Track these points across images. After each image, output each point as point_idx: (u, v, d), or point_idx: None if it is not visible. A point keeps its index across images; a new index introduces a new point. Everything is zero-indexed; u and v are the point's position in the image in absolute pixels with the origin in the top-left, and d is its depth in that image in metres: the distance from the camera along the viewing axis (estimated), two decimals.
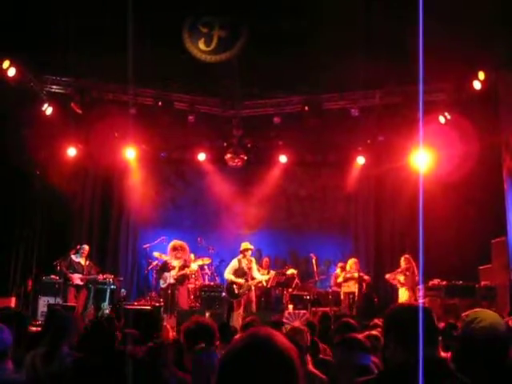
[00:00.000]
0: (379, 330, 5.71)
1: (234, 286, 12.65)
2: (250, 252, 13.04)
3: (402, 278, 12.78)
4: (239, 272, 12.76)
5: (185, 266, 13.04)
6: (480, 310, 3.47)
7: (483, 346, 3.09)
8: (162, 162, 16.45)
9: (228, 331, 7.14)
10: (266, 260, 14.55)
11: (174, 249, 13.08)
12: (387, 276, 13.20)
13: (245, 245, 13.05)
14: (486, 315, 3.31)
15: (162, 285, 12.98)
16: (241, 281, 12.63)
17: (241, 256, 12.95)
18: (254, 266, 13.10)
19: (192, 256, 14.31)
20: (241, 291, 12.60)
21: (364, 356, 4.08)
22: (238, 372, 1.65)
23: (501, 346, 3.13)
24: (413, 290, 12.68)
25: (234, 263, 12.91)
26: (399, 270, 12.86)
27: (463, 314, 3.39)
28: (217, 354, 4.79)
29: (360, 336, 4.47)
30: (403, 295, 12.70)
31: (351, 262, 13.60)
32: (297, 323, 11.48)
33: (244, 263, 12.84)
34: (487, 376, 3.01)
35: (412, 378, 2.55)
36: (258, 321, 7.58)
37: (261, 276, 13.08)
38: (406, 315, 2.89)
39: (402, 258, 12.96)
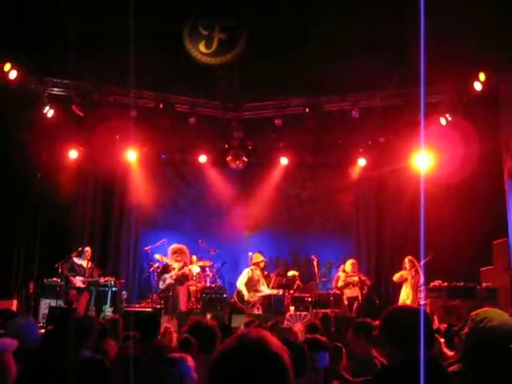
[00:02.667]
0: None
1: (244, 294, 12.81)
2: (262, 264, 13.38)
3: (410, 278, 12.80)
4: (252, 283, 13.08)
5: (184, 266, 13.07)
6: (489, 309, 3.48)
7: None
8: (162, 164, 16.44)
9: (229, 333, 7.15)
10: None
11: (174, 252, 13.13)
12: (395, 278, 13.13)
13: (257, 256, 13.40)
14: (496, 315, 3.32)
15: (161, 286, 12.99)
16: (249, 295, 12.95)
17: (253, 267, 13.24)
18: (262, 278, 13.28)
19: (194, 258, 14.34)
20: (251, 300, 12.80)
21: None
22: (230, 374, 1.65)
23: (510, 344, 3.15)
24: (416, 291, 12.68)
25: (248, 274, 13.16)
26: (410, 272, 12.80)
27: (472, 314, 3.40)
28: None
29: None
30: (408, 296, 12.68)
31: (349, 263, 13.56)
32: (298, 325, 11.52)
33: (256, 274, 13.14)
34: (497, 374, 3.03)
35: (407, 377, 2.56)
36: (257, 322, 7.59)
37: (267, 290, 13.26)
38: (401, 316, 2.91)
39: (406, 260, 12.92)
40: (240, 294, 12.91)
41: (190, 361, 4.45)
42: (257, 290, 13.06)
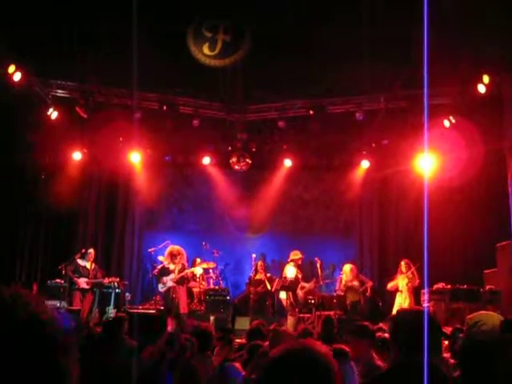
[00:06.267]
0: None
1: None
2: (300, 261, 13.59)
3: (405, 282, 12.71)
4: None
5: (183, 269, 12.96)
6: (485, 312, 3.46)
7: (484, 348, 3.08)
8: (166, 165, 16.44)
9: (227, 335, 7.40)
10: (260, 264, 14.39)
11: (172, 255, 12.95)
12: (389, 286, 13.05)
13: (296, 253, 13.57)
14: (489, 318, 3.30)
15: (161, 289, 12.89)
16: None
17: (292, 264, 13.42)
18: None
19: (198, 260, 14.31)
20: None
21: None
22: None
23: (502, 349, 3.12)
24: (413, 293, 12.63)
25: (294, 268, 13.37)
26: (407, 274, 12.71)
27: (468, 317, 3.38)
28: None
29: None
30: (406, 299, 12.62)
31: (347, 269, 13.48)
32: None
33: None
34: (489, 379, 3.01)
35: (410, 379, 2.55)
36: (266, 324, 7.62)
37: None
38: (411, 319, 2.89)
39: (403, 263, 12.86)
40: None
41: None
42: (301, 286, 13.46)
